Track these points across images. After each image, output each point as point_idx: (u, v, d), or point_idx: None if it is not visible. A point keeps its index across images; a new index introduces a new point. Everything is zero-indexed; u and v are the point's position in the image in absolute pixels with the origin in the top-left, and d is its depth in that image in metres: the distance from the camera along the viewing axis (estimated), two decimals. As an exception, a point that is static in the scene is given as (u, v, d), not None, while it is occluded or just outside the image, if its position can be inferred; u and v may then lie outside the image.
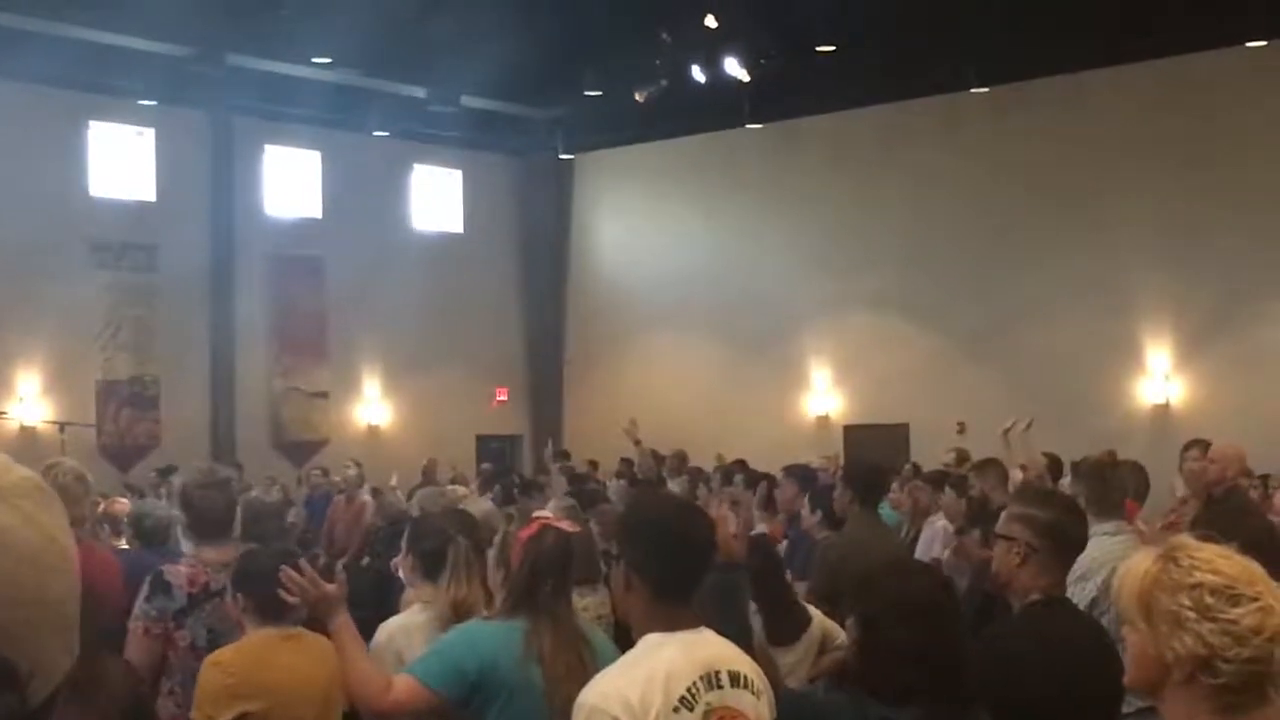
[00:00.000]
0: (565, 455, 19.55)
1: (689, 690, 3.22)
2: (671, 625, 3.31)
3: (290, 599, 4.32)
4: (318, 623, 4.54)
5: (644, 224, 27.23)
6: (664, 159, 26.45)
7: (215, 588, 5.28)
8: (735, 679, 3.32)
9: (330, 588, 4.29)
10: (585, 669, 4.04)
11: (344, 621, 4.22)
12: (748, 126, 23.90)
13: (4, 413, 11.68)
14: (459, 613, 4.67)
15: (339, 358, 25.22)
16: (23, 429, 18.36)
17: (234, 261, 24.05)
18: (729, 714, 3.27)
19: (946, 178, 23.04)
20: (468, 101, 24.10)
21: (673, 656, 3.26)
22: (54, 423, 16.72)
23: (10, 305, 20.53)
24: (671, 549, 3.35)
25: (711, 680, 3.27)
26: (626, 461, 18.12)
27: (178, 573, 5.32)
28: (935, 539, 10.20)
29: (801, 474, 9.37)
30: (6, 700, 1.12)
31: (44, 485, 1.24)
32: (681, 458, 15.35)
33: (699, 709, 3.22)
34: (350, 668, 4.16)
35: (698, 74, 21.17)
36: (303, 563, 4.37)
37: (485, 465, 19.03)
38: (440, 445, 21.99)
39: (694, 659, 3.27)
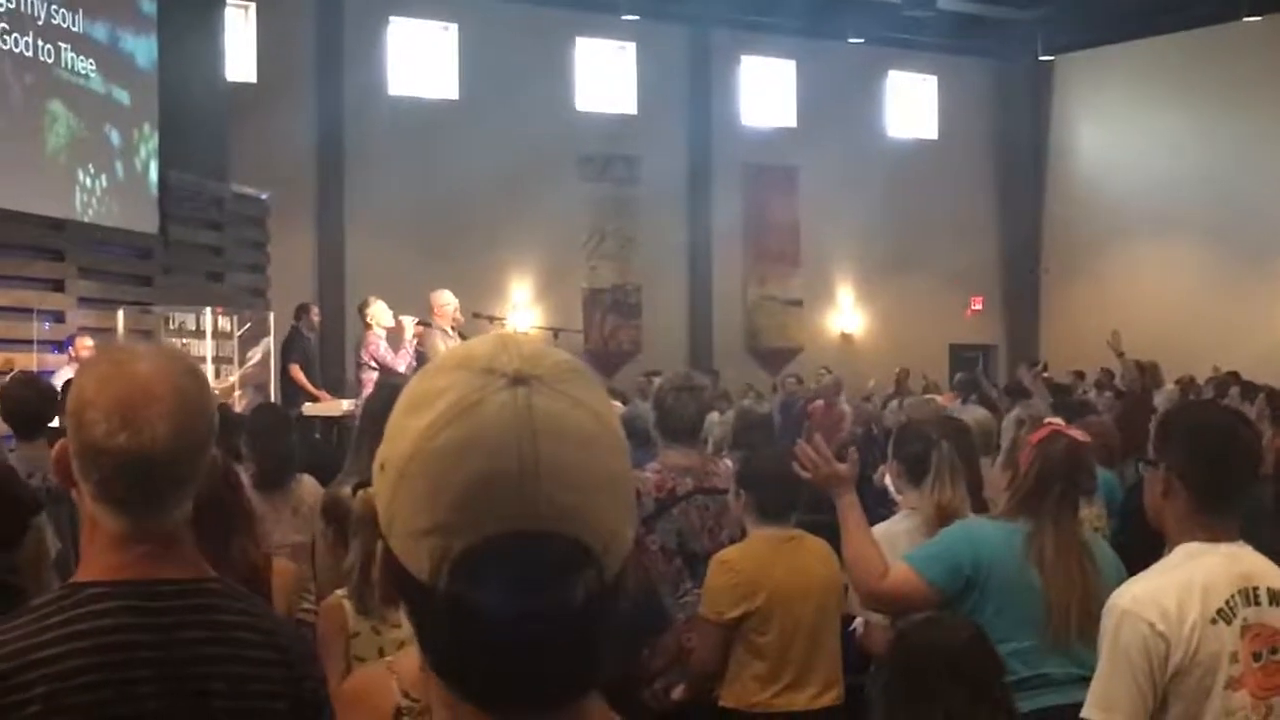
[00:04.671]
0: (1043, 368, 19.09)
1: (1226, 603, 3.09)
2: (1212, 536, 3.17)
3: (803, 473, 4.43)
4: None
5: (1127, 127, 26.11)
6: (1151, 58, 25.23)
7: (681, 493, 5.43)
8: (1275, 597, 3.16)
9: (841, 467, 4.39)
10: (1086, 578, 4.02)
11: (851, 501, 4.32)
12: (1245, 19, 22.44)
13: (501, 319, 12.36)
14: (943, 516, 4.66)
15: (812, 266, 25.42)
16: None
17: (710, 172, 24.57)
18: (1266, 631, 3.12)
19: None
20: (944, 4, 23.63)
21: (1211, 567, 3.13)
22: (547, 328, 17.48)
23: (505, 218, 21.69)
24: (1220, 456, 3.21)
25: (1250, 595, 3.12)
26: (1107, 372, 17.53)
27: (645, 480, 5.42)
28: None
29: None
30: (587, 576, 1.18)
31: (581, 366, 1.25)
32: (1152, 369, 14.59)
33: (1236, 623, 3.08)
34: (852, 547, 4.27)
35: (1191, -35, 20.06)
36: (818, 438, 4.46)
37: (960, 375, 18.77)
38: (913, 354, 21.88)
39: (1233, 572, 3.13)
